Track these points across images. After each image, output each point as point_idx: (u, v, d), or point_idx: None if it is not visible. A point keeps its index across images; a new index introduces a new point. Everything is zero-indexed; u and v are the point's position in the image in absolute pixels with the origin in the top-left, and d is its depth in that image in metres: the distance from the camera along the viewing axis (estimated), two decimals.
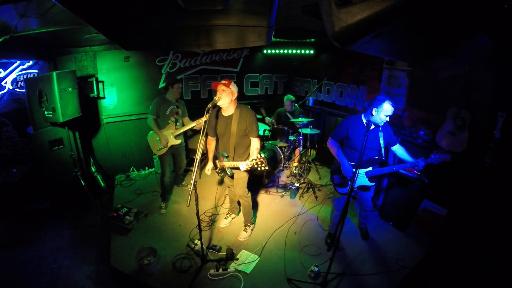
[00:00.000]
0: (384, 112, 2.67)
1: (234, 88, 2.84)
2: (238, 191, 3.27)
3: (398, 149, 2.91)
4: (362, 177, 2.88)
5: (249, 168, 2.82)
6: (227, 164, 2.98)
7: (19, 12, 2.09)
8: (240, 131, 2.93)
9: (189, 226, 3.64)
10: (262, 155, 2.70)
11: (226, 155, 3.01)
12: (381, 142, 2.78)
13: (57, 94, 3.47)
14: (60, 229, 3.77)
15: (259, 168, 2.70)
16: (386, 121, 2.76)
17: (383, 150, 2.80)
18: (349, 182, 2.67)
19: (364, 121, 2.82)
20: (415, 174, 3.53)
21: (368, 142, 2.74)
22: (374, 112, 2.72)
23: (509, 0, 0.99)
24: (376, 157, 2.80)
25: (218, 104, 2.80)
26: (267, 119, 5.39)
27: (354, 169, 2.82)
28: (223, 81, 2.80)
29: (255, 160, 2.69)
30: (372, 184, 2.90)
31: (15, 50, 3.68)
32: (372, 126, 2.74)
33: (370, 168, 2.84)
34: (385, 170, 2.80)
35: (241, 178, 3.16)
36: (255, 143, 2.98)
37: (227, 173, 3.07)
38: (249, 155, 3.04)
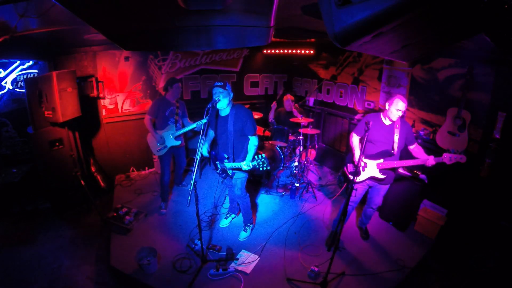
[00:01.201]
0: (394, 106, 2.77)
1: (229, 88, 2.88)
2: (236, 192, 3.27)
3: (415, 149, 2.95)
4: (373, 169, 2.95)
5: (251, 168, 2.85)
6: (228, 165, 2.98)
7: (19, 12, 2.09)
8: (237, 131, 2.94)
9: (189, 226, 3.64)
10: (264, 155, 2.76)
11: (226, 157, 3.01)
12: (395, 137, 2.86)
13: (57, 94, 3.47)
14: (60, 229, 3.77)
15: (260, 169, 2.76)
16: (405, 120, 2.90)
17: (396, 145, 2.86)
18: (351, 184, 2.67)
19: (382, 119, 2.93)
20: (415, 174, 3.54)
21: (382, 136, 2.90)
22: (387, 106, 2.85)
23: (509, 0, 0.98)
24: (392, 151, 2.88)
25: (217, 106, 2.83)
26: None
27: (366, 160, 2.95)
28: (218, 83, 2.81)
29: (257, 160, 2.75)
30: (383, 176, 2.94)
31: (15, 50, 3.68)
32: (389, 122, 2.89)
33: (381, 160, 2.90)
34: (395, 164, 2.86)
35: (239, 179, 3.16)
36: (253, 140, 3.00)
37: (229, 174, 3.08)
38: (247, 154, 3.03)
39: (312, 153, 5.48)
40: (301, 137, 4.69)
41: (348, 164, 3.18)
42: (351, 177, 3.13)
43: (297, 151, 4.91)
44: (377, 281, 2.87)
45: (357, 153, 3.05)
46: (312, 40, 5.19)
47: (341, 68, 5.31)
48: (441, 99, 3.67)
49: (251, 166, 2.82)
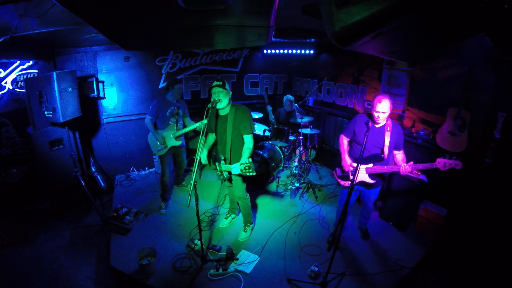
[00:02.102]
0: (374, 108, 2.66)
1: (228, 87, 2.87)
2: (236, 192, 3.26)
3: (399, 156, 2.83)
4: (362, 173, 2.87)
5: (239, 172, 2.73)
6: (224, 167, 2.95)
7: (19, 12, 2.09)
8: (236, 129, 2.93)
9: (189, 226, 3.64)
10: (250, 160, 2.65)
11: (222, 158, 2.99)
12: (386, 141, 2.76)
13: (57, 94, 3.47)
14: (60, 229, 3.77)
15: (247, 174, 2.65)
16: (397, 122, 2.82)
17: (386, 148, 2.77)
18: (350, 180, 2.66)
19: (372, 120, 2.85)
20: (415, 174, 3.53)
21: (372, 139, 2.79)
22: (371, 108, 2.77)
23: (509, 0, 0.99)
24: (382, 155, 2.80)
25: (218, 106, 2.83)
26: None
27: (354, 164, 2.87)
28: (217, 83, 2.79)
29: (244, 164, 2.64)
30: (373, 181, 2.88)
31: (15, 50, 3.68)
32: (379, 125, 2.79)
33: (370, 165, 2.82)
34: (385, 169, 2.78)
35: (239, 180, 3.16)
36: (247, 142, 2.92)
37: (224, 176, 3.04)
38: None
39: (312, 153, 5.48)
40: (301, 137, 4.69)
41: (337, 169, 3.09)
42: (341, 182, 3.06)
43: (297, 151, 4.91)
44: (377, 281, 2.87)
45: (345, 156, 2.96)
46: (312, 40, 5.19)
47: (341, 68, 5.31)
48: (441, 99, 3.66)
49: (239, 171, 2.71)
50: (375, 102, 2.66)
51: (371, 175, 2.86)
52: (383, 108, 2.63)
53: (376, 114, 2.68)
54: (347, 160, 2.93)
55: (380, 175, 2.93)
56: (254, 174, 2.68)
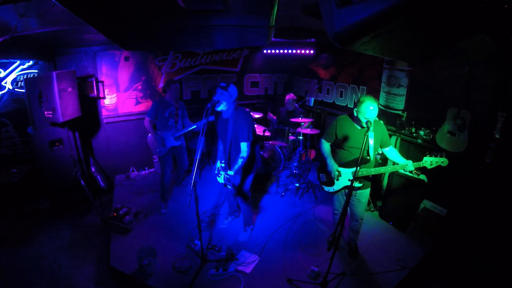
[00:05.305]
0: (362, 114, 2.53)
1: (232, 90, 2.78)
2: (239, 194, 3.26)
3: (390, 151, 2.77)
4: (348, 177, 2.77)
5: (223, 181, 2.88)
6: (222, 173, 2.99)
7: (19, 12, 2.10)
8: (235, 136, 2.88)
9: (189, 226, 3.64)
10: (232, 172, 2.84)
11: (222, 165, 2.98)
12: (371, 142, 2.65)
13: (57, 94, 3.47)
14: (60, 229, 3.77)
15: (228, 187, 2.81)
16: (378, 119, 2.69)
17: (372, 150, 2.68)
18: (351, 185, 2.55)
19: (355, 122, 2.72)
20: (415, 174, 3.53)
21: (356, 142, 2.69)
22: (355, 113, 2.64)
23: (509, 0, 0.99)
24: (368, 157, 2.71)
25: (217, 108, 2.79)
26: None
27: (340, 169, 2.79)
28: (222, 84, 2.76)
29: (227, 176, 2.81)
30: (360, 185, 2.77)
31: (15, 50, 3.68)
32: (362, 126, 2.66)
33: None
34: (372, 171, 2.69)
35: (243, 182, 3.16)
36: (242, 151, 2.85)
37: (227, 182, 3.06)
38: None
39: (312, 153, 5.48)
40: (301, 137, 4.69)
41: (321, 175, 2.99)
42: (326, 189, 2.97)
43: (297, 151, 4.90)
44: (377, 281, 2.87)
45: (330, 161, 2.83)
46: (312, 40, 5.19)
47: (341, 68, 5.31)
48: (441, 99, 3.66)
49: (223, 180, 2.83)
50: (365, 109, 2.50)
51: (357, 178, 2.70)
52: (374, 113, 2.49)
53: (365, 120, 2.52)
54: (332, 164, 2.80)
55: (367, 177, 2.81)
56: (229, 187, 2.86)
